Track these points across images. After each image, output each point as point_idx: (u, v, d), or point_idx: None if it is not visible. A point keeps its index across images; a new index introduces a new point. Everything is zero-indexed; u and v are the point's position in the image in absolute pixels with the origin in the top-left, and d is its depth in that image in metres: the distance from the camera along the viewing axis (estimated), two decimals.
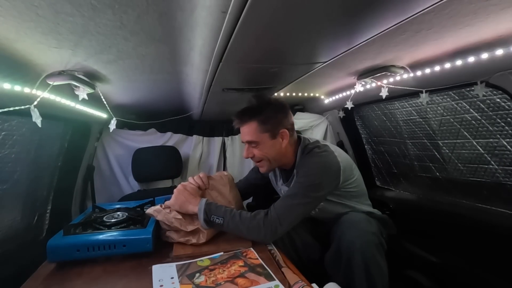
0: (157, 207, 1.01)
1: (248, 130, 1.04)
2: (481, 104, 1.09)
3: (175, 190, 1.01)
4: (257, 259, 0.86)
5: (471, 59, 0.86)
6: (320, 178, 0.98)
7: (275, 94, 1.37)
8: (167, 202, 1.00)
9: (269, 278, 0.75)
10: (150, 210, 1.01)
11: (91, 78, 0.94)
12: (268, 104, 1.05)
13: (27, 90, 0.82)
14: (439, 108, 1.26)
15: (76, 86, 0.93)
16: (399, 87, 1.12)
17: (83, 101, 1.02)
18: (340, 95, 1.53)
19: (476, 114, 1.13)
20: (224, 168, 2.04)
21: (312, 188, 0.96)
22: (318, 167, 1.00)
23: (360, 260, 0.90)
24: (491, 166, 1.16)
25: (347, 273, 0.92)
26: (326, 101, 1.70)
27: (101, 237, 0.89)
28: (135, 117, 1.67)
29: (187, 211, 0.97)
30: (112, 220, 1.00)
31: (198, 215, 0.94)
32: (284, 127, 1.05)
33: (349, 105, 1.36)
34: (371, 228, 0.96)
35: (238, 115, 1.07)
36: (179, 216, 0.96)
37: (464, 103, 1.15)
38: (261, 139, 1.04)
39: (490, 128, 1.10)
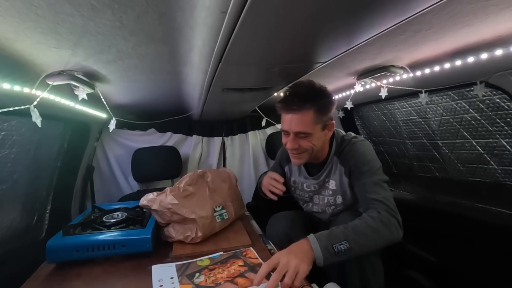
0: (150, 196, 0.98)
1: (302, 120, 0.92)
2: (480, 104, 1.09)
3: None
4: (257, 258, 0.86)
5: (470, 59, 0.86)
6: (378, 162, 1.00)
7: (275, 94, 1.36)
8: None
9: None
10: (143, 201, 0.98)
11: (90, 78, 0.94)
12: (323, 91, 0.95)
13: (26, 90, 0.82)
14: (438, 108, 1.26)
15: (75, 86, 0.93)
16: (398, 87, 1.12)
17: (83, 101, 1.01)
18: (340, 95, 1.53)
19: (475, 114, 1.13)
20: None
21: (380, 171, 0.98)
22: (372, 153, 1.02)
23: (353, 258, 0.87)
24: (490, 166, 1.17)
25: (341, 271, 0.91)
26: None
27: (100, 237, 0.89)
28: (135, 117, 1.67)
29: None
30: (112, 220, 1.00)
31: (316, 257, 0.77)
32: (332, 119, 1.00)
33: (348, 105, 1.36)
34: None
35: (293, 99, 0.92)
36: (175, 201, 0.95)
37: (464, 103, 1.15)
38: (313, 131, 0.94)
39: (490, 128, 1.10)
